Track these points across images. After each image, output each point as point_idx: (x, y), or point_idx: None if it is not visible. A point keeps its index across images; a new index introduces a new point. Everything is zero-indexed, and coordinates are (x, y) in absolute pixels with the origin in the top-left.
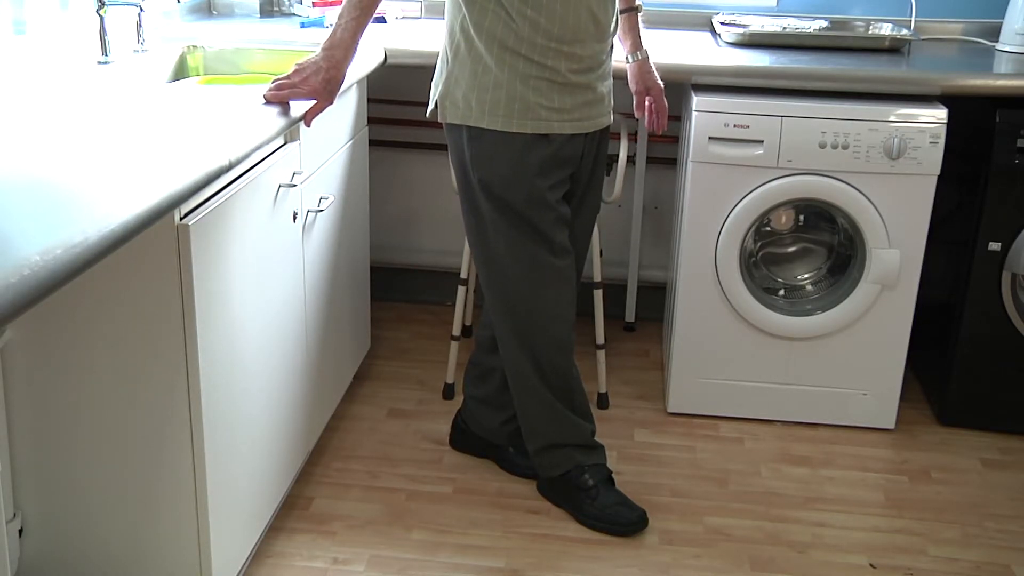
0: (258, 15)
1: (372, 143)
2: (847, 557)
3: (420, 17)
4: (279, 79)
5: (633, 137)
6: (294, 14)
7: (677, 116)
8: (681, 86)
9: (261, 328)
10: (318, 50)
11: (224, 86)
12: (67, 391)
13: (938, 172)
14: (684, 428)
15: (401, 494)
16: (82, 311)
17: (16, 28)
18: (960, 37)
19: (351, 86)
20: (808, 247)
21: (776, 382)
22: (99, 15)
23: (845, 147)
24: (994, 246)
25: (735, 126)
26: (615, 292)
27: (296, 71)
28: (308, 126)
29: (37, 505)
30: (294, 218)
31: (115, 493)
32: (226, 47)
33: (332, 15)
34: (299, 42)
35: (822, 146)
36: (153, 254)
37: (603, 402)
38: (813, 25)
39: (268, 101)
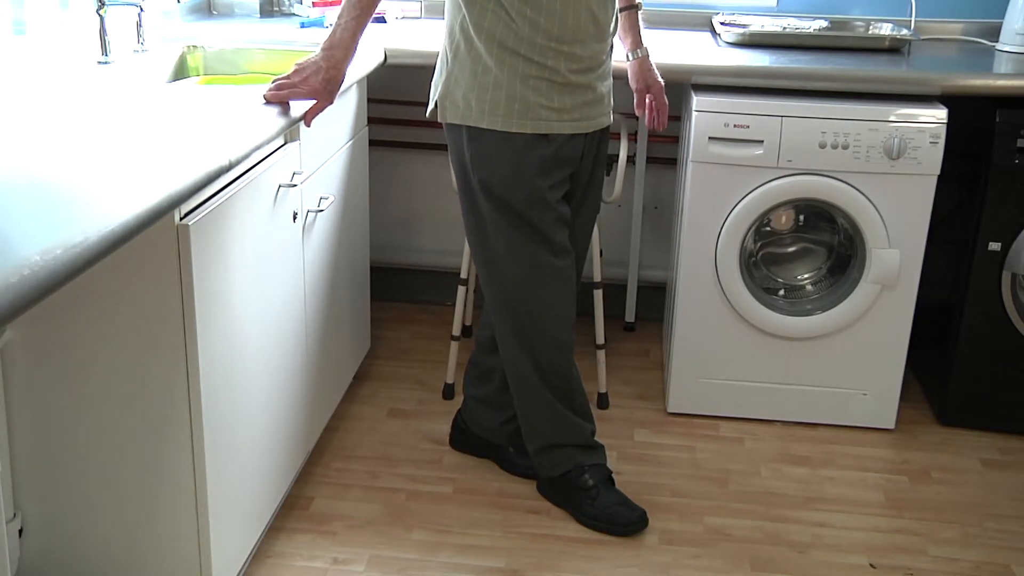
0: (258, 15)
1: (372, 143)
2: (847, 557)
3: (420, 17)
4: (279, 79)
5: (633, 137)
6: (294, 14)
7: (677, 116)
8: (681, 86)
9: (261, 328)
10: (318, 50)
11: (224, 86)
12: (67, 391)
13: (938, 172)
14: (684, 428)
15: (401, 494)
16: (82, 311)
17: (16, 28)
18: (960, 37)
19: (351, 86)
20: (808, 247)
21: (776, 382)
22: (99, 15)
23: (845, 147)
24: (994, 246)
25: (735, 126)
26: (615, 292)
27: (296, 71)
28: (308, 126)
29: (37, 505)
30: (294, 218)
31: (115, 493)
32: (226, 47)
33: (332, 15)
34: (299, 42)
35: (822, 146)
36: (153, 254)
37: (603, 402)
38: (813, 25)
39: (268, 101)
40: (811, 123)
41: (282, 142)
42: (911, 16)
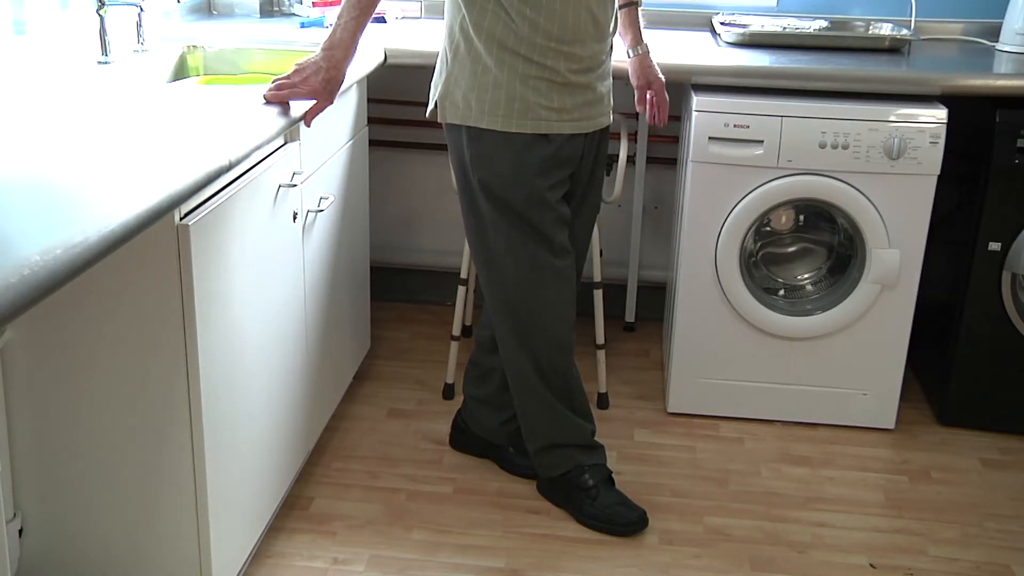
0: (258, 15)
1: (372, 143)
2: (847, 557)
3: (420, 17)
4: (279, 79)
5: (633, 137)
6: (294, 14)
7: (677, 116)
8: (681, 86)
9: (261, 328)
10: (318, 50)
11: (224, 86)
12: (67, 391)
13: (938, 172)
14: (684, 428)
15: (401, 494)
16: (82, 311)
17: (16, 28)
18: (960, 37)
19: (351, 86)
20: (808, 247)
21: (776, 382)
22: (99, 15)
23: (845, 147)
24: (994, 246)
25: (735, 126)
26: (615, 292)
27: (296, 71)
28: (308, 126)
29: (37, 505)
30: (294, 218)
31: (115, 493)
32: (226, 47)
33: (332, 15)
34: (299, 42)
35: (822, 146)
36: (153, 254)
37: (603, 402)
38: (813, 25)
39: (268, 101)
40: (811, 123)
41: (282, 142)
42: (911, 16)
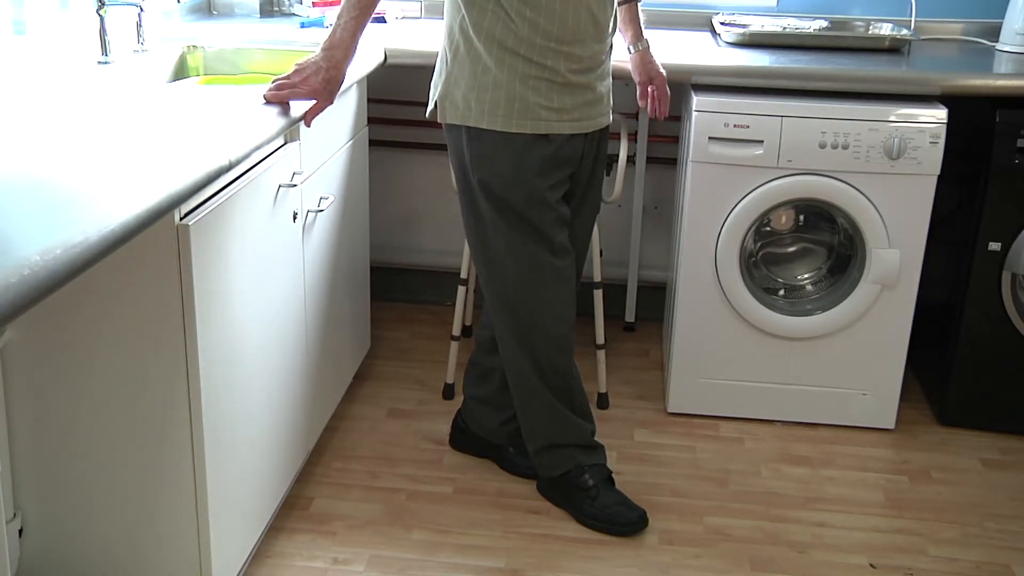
0: (258, 15)
1: (372, 143)
2: (847, 557)
3: (420, 17)
4: (279, 79)
5: (633, 137)
6: (294, 14)
7: (677, 116)
8: (681, 86)
9: (261, 328)
10: (318, 50)
11: (224, 86)
12: (67, 391)
13: (938, 172)
14: (684, 428)
15: (401, 494)
16: (82, 311)
17: (16, 28)
18: (960, 37)
19: (351, 86)
20: (808, 247)
21: (776, 382)
22: (99, 15)
23: (845, 147)
24: (994, 246)
25: (735, 126)
26: (615, 292)
27: (296, 71)
28: (308, 126)
29: (37, 505)
30: (294, 218)
31: (115, 493)
32: (226, 47)
33: (332, 15)
34: (299, 42)
35: (822, 146)
36: (153, 254)
37: (603, 402)
38: (813, 25)
39: (268, 101)
40: (811, 123)
41: (282, 142)
42: (911, 16)
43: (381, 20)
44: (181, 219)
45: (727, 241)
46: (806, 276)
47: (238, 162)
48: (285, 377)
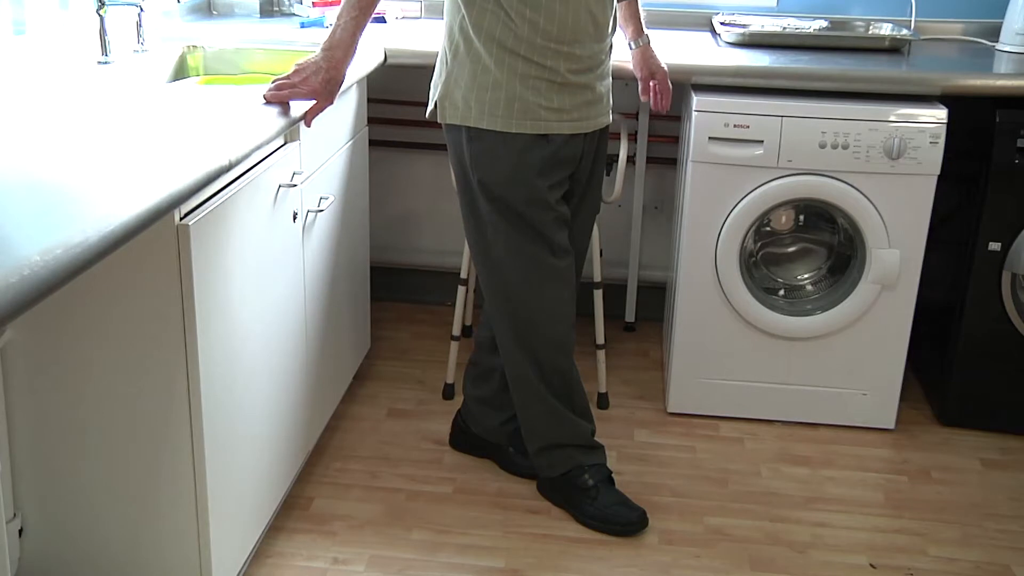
0: (258, 15)
1: (372, 143)
2: (847, 557)
3: (420, 17)
4: (279, 79)
5: (633, 137)
6: (294, 14)
7: (677, 116)
8: (681, 86)
9: (261, 328)
10: (318, 50)
11: (224, 86)
12: (67, 391)
13: (938, 172)
14: (684, 428)
15: (401, 494)
16: (82, 311)
17: (16, 28)
18: (960, 37)
19: (351, 86)
20: (808, 247)
21: (776, 382)
22: (99, 15)
23: (845, 147)
24: (994, 246)
25: (735, 126)
26: (615, 292)
27: (296, 71)
28: (308, 126)
29: (37, 505)
30: (294, 218)
31: (115, 493)
32: (226, 47)
33: (332, 15)
34: (299, 42)
35: (822, 146)
36: (153, 254)
37: (603, 402)
38: (813, 25)
39: (268, 101)
40: (811, 123)
41: (282, 142)
42: (911, 16)
43: (381, 20)
44: (181, 219)
45: (727, 241)
46: (806, 276)
47: (238, 162)
48: (285, 377)
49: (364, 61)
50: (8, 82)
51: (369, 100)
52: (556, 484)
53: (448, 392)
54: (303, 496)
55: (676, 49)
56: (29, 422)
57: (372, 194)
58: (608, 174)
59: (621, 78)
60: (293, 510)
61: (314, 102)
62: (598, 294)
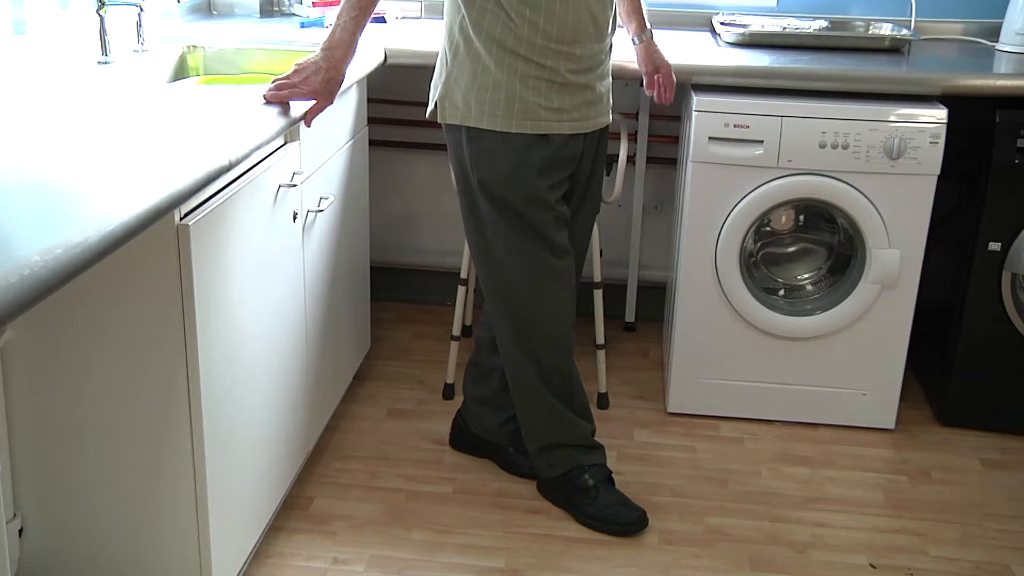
0: (258, 15)
1: (372, 143)
2: (847, 557)
3: (420, 17)
4: (279, 79)
5: (633, 137)
6: (294, 14)
7: (677, 116)
8: (681, 86)
9: (261, 328)
10: (318, 50)
11: (224, 86)
12: (67, 391)
13: (938, 172)
14: (684, 428)
15: (401, 494)
16: (82, 311)
17: (16, 28)
18: (960, 37)
19: (351, 86)
20: (808, 247)
21: (776, 382)
22: (99, 15)
23: (845, 147)
24: (994, 246)
25: (735, 126)
26: (615, 292)
27: (296, 71)
28: (308, 126)
29: (37, 505)
30: (294, 218)
31: (115, 493)
32: (226, 47)
33: (332, 15)
34: (299, 42)
35: (822, 146)
36: (153, 254)
37: (603, 402)
38: (813, 25)
39: (268, 101)
40: (811, 123)
41: (282, 142)
42: (911, 16)
43: (381, 20)
44: (181, 219)
45: (727, 241)
46: (806, 276)
47: (238, 162)
48: (285, 377)
49: (364, 61)
50: (8, 82)
51: (369, 100)
52: (556, 484)
53: (448, 392)
54: (303, 496)
55: (676, 49)
56: (29, 422)
57: (372, 194)
58: (608, 174)
59: (621, 78)
60: (293, 510)
61: (314, 102)
62: (598, 294)
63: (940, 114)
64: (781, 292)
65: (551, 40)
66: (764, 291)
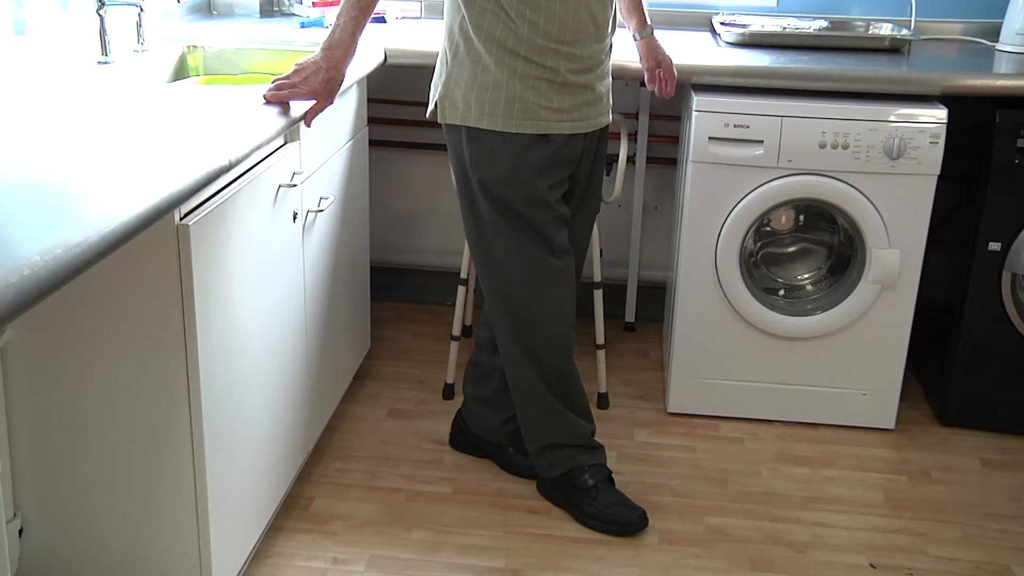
0: (258, 15)
1: (372, 143)
2: (847, 557)
3: (420, 17)
4: (279, 79)
5: (633, 137)
6: (294, 14)
7: (677, 116)
8: (681, 86)
9: (261, 328)
10: (318, 50)
11: (224, 86)
12: (67, 391)
13: (938, 172)
14: (684, 428)
15: (401, 494)
16: (82, 311)
17: (16, 28)
18: (960, 37)
19: (351, 86)
20: (808, 247)
21: (776, 382)
22: (99, 15)
23: (845, 147)
24: (994, 246)
25: (735, 126)
26: (615, 292)
27: (296, 71)
28: (308, 126)
29: (37, 505)
30: (294, 218)
31: (115, 493)
32: (226, 47)
33: (332, 15)
34: (299, 42)
35: (822, 146)
36: (153, 254)
37: (603, 402)
38: (813, 25)
39: (268, 101)
40: (811, 123)
41: (282, 142)
42: (911, 16)
43: (381, 20)
44: (181, 219)
45: (727, 241)
46: (806, 276)
47: (238, 162)
48: (285, 377)
49: (364, 61)
50: (8, 82)
51: (369, 100)
52: (556, 484)
53: (448, 392)
54: (303, 496)
55: (676, 49)
56: (29, 422)
57: (372, 194)
58: (608, 174)
59: (621, 78)
60: (293, 510)
61: (314, 102)
62: (598, 294)
63: (940, 114)
64: (781, 292)
65: (551, 40)
66: (764, 291)
